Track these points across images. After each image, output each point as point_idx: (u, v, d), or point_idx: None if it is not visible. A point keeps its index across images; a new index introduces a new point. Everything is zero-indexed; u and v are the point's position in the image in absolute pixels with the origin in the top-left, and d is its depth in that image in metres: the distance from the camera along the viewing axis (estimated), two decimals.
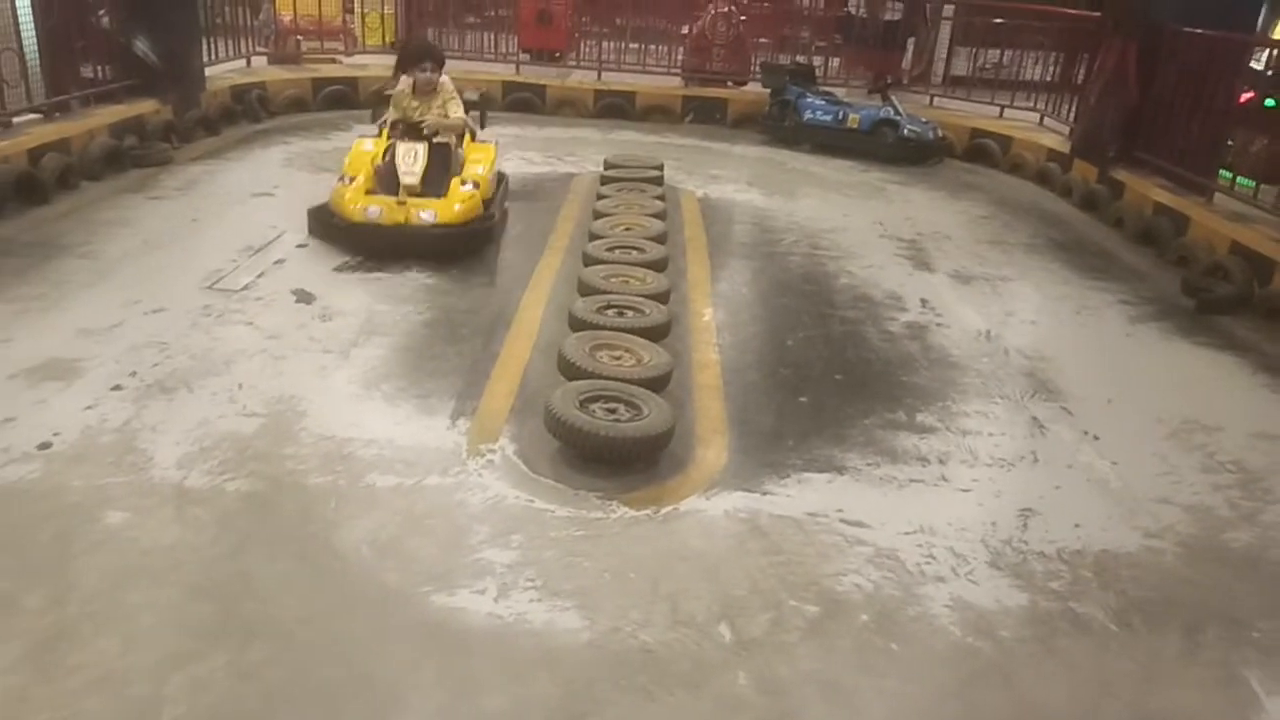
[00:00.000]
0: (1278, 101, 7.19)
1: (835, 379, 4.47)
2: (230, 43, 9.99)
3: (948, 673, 2.65)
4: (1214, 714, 2.58)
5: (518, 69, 11.32)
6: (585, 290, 4.71)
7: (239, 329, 4.48)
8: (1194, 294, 5.91)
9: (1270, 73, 7.64)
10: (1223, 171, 7.12)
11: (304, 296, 4.93)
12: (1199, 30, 7.04)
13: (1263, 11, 8.34)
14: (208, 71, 8.96)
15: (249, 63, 10.30)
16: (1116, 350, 5.20)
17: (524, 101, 10.68)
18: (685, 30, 11.71)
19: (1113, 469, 3.79)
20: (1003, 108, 10.50)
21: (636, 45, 11.99)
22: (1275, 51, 7.91)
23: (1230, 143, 7.37)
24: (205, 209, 6.41)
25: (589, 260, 5.16)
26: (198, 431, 3.53)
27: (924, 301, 5.58)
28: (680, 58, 11.65)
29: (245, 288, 4.99)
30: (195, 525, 3.01)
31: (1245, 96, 7.45)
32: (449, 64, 11.19)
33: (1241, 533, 3.44)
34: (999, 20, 11.09)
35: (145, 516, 3.03)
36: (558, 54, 12.06)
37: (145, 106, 7.74)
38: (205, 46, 9.13)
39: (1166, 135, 7.42)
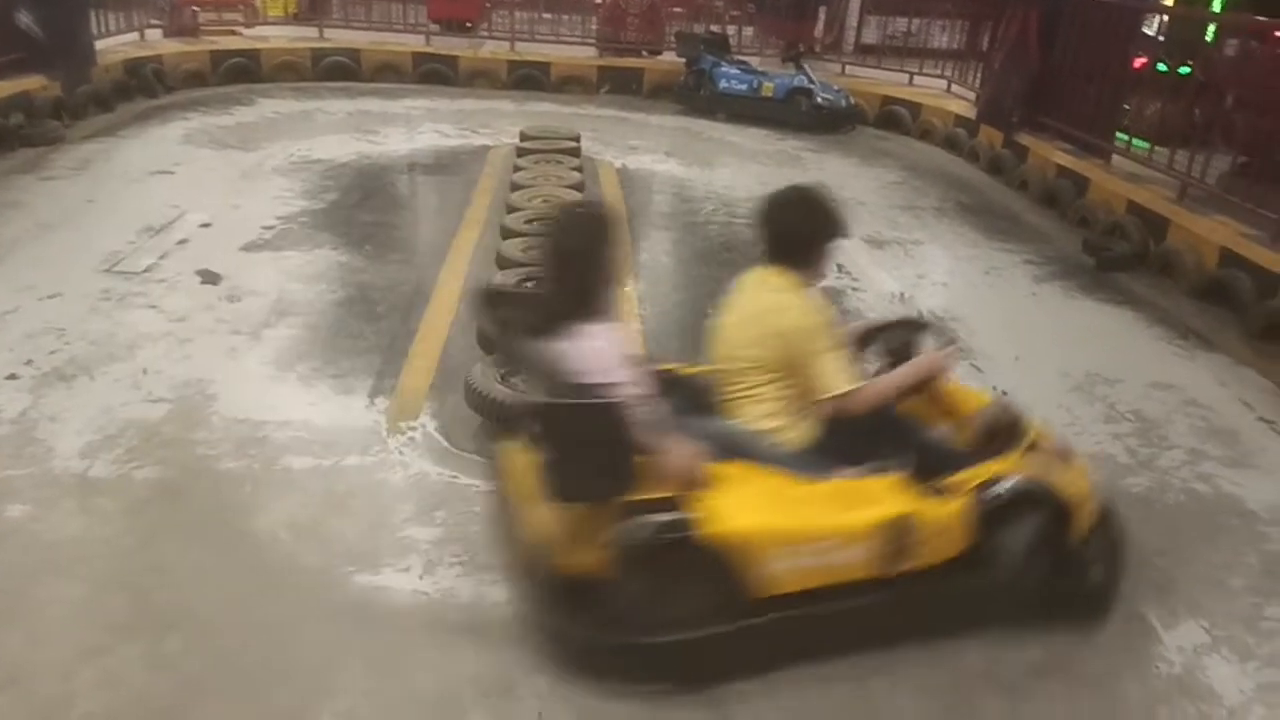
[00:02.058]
0: (1170, 66, 7.48)
1: None
2: (121, 15, 9.52)
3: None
4: (1116, 648, 2.71)
5: (428, 40, 11.06)
6: (504, 264, 4.65)
7: (141, 312, 4.31)
8: (1094, 253, 6.15)
9: (1162, 38, 7.94)
10: (1119, 134, 7.40)
11: (210, 277, 4.76)
12: None
13: None
14: (98, 45, 8.53)
15: (143, 35, 9.84)
16: (1023, 308, 5.38)
17: (435, 73, 10.45)
18: (599, 0, 11.59)
19: None
20: (912, 75, 10.69)
21: (550, 15, 11.83)
22: (1166, 17, 8.22)
23: (1127, 106, 7.64)
24: (101, 189, 6.13)
25: (507, 233, 5.09)
26: (101, 420, 3.39)
27: (839, 266, 5.67)
28: (594, 28, 11.54)
29: (147, 269, 4.80)
30: (102, 516, 2.90)
31: (1139, 62, 7.72)
32: (353, 35, 10.95)
33: (1140, 478, 3.61)
34: None
35: (48, 509, 2.91)
36: (469, 24, 11.83)
37: (32, 83, 7.33)
38: (94, 19, 8.67)
39: (1067, 100, 7.66)
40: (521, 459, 2.60)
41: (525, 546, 2.49)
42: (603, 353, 2.34)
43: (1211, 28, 7.90)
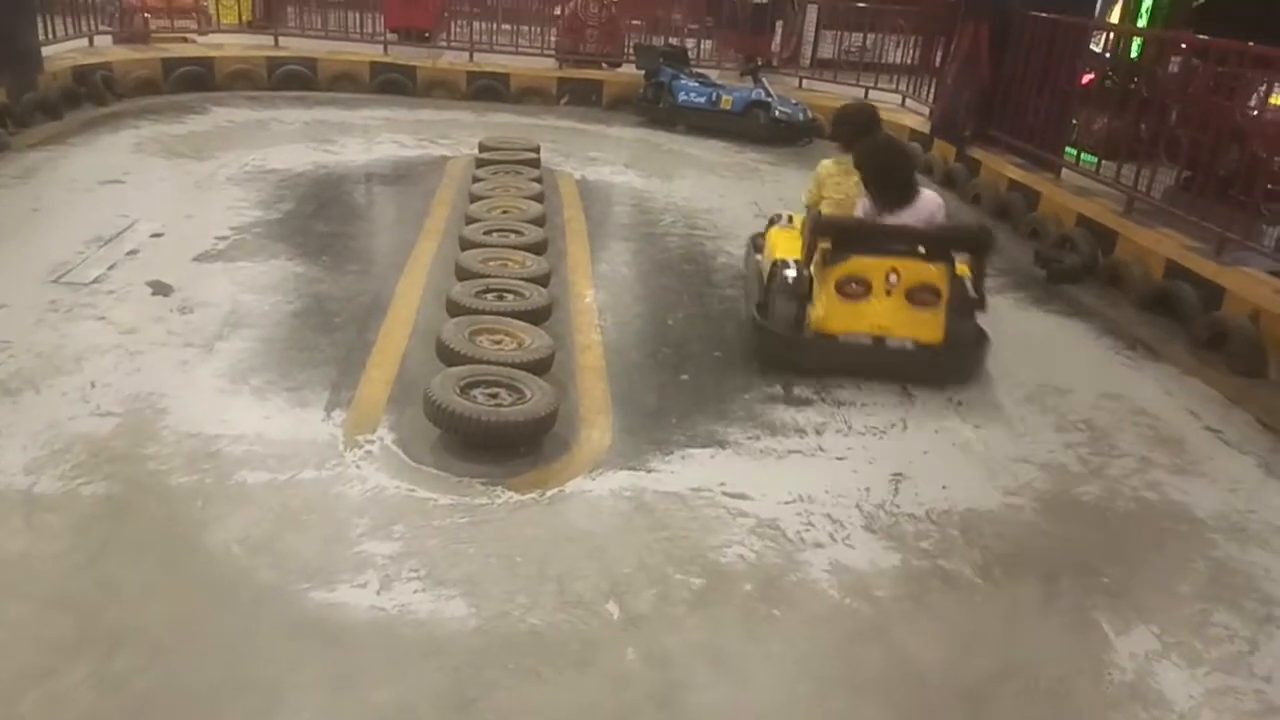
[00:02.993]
0: (1117, 82, 7.66)
1: (715, 356, 4.54)
2: (70, 20, 9.32)
3: (828, 634, 2.75)
4: (1070, 655, 2.76)
5: (385, 49, 11.00)
6: (463, 275, 4.63)
7: (90, 324, 4.22)
8: (1045, 265, 6.27)
9: (1108, 54, 8.14)
10: (1068, 149, 7.56)
11: (161, 288, 4.68)
12: (1044, 14, 7.43)
13: None
14: (45, 51, 8.36)
15: (92, 42, 9.65)
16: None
17: (394, 83, 10.40)
18: (558, 11, 11.61)
19: (975, 432, 3.99)
20: (867, 89, 10.82)
21: (509, 26, 11.83)
22: (1111, 34, 8.44)
23: (1075, 121, 7.82)
24: (48, 198, 6.00)
25: (466, 244, 5.07)
26: (47, 434, 3.31)
27: None
28: (554, 39, 11.56)
29: (95, 280, 4.70)
30: (48, 533, 2.83)
31: (1087, 78, 7.91)
32: (310, 44, 10.85)
33: (1091, 486, 3.68)
34: (862, 4, 11.44)
35: None
36: (427, 34, 11.78)
37: None
38: (41, 24, 8.49)
39: (1018, 114, 7.81)
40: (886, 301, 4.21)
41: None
42: (942, 200, 4.45)
43: (1137, 43, 8.11)
